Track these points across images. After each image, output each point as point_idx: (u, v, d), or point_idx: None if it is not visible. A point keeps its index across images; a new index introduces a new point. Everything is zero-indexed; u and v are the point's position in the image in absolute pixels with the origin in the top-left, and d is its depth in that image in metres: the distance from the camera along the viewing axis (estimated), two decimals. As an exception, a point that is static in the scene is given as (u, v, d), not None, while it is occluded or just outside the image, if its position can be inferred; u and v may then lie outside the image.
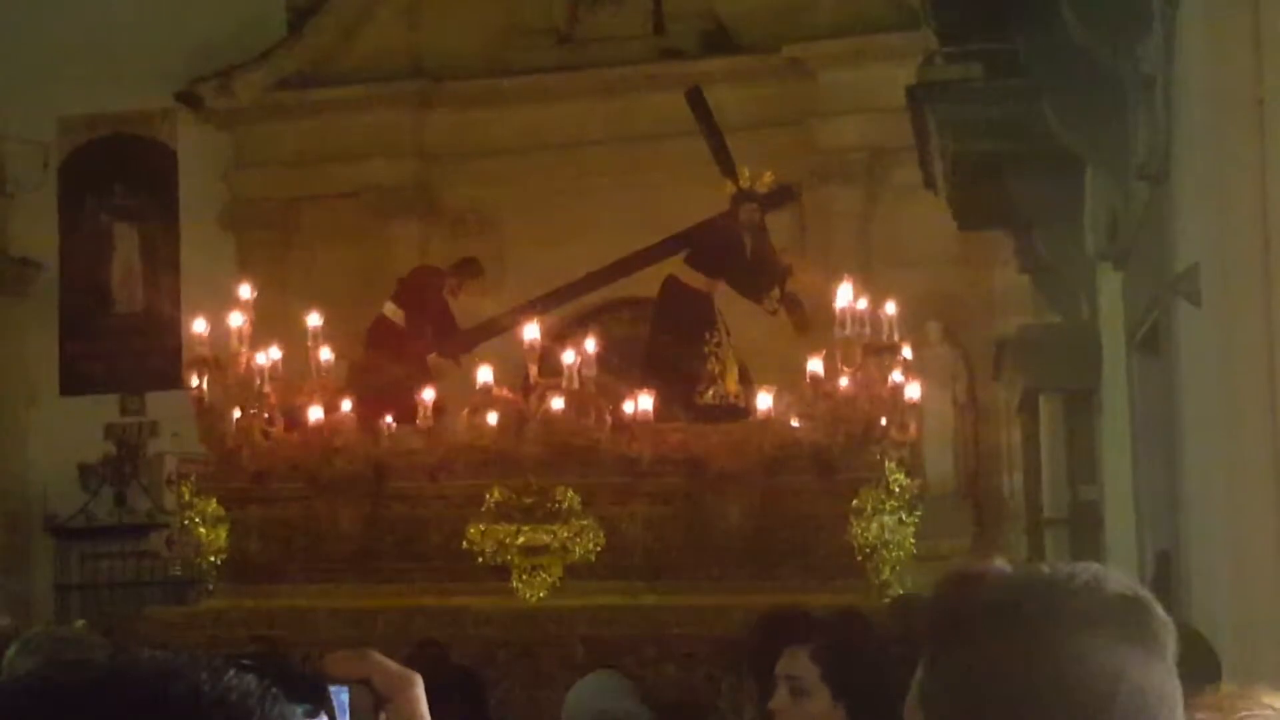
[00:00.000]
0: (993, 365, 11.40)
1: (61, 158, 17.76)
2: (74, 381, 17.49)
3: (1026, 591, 1.72)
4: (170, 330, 16.52)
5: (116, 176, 17.62)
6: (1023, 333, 10.31)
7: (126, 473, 17.07)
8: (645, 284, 13.43)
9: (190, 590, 13.18)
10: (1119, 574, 1.74)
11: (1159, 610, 1.72)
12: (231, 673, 1.05)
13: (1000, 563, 1.83)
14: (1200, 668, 3.07)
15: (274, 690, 1.06)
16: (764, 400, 11.21)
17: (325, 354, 11.60)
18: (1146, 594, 1.73)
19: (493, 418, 10.96)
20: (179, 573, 14.87)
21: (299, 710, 1.07)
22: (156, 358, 16.87)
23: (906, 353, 11.26)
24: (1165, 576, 6.45)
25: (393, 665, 1.26)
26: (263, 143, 17.11)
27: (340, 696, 1.20)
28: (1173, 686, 1.71)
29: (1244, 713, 2.64)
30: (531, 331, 10.98)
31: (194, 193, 17.38)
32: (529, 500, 10.79)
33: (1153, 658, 1.69)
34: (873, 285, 12.06)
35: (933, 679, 1.76)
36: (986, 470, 15.34)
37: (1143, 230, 6.65)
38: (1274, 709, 2.68)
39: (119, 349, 17.43)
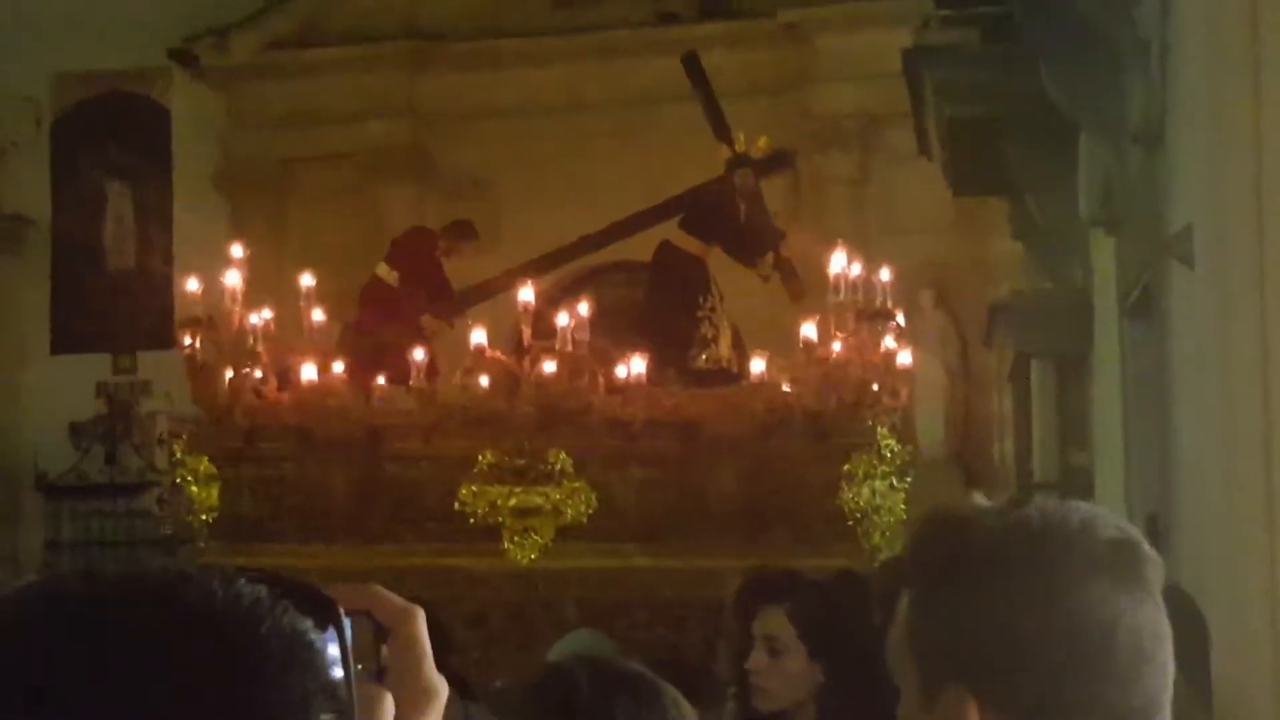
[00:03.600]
0: (985, 331, 11.39)
1: (55, 115, 17.68)
2: (65, 339, 17.45)
3: (1018, 536, 1.70)
4: (163, 289, 16.49)
5: (110, 134, 17.53)
6: (1014, 298, 10.27)
7: (118, 431, 17.03)
8: (639, 248, 13.41)
9: (182, 549, 13.18)
10: (1108, 514, 1.75)
11: (1148, 550, 1.72)
12: (243, 581, 1.06)
13: (979, 498, 1.81)
14: (1188, 630, 3.08)
15: (284, 601, 1.07)
16: (757, 365, 11.23)
17: (318, 314, 11.60)
18: (1136, 534, 1.73)
19: (486, 380, 10.96)
20: (170, 531, 14.86)
21: (309, 623, 1.08)
22: (148, 317, 16.84)
23: (899, 319, 11.28)
24: (1154, 539, 6.46)
25: (395, 598, 1.24)
26: (257, 103, 17.02)
27: None
28: (1165, 626, 1.71)
29: None
30: (526, 294, 10.99)
31: (188, 152, 17.30)
32: (521, 462, 10.81)
33: (1146, 599, 1.70)
34: (867, 251, 12.06)
35: (921, 620, 1.75)
36: (977, 436, 15.34)
37: (1137, 194, 6.65)
38: None
39: (111, 307, 17.39)
